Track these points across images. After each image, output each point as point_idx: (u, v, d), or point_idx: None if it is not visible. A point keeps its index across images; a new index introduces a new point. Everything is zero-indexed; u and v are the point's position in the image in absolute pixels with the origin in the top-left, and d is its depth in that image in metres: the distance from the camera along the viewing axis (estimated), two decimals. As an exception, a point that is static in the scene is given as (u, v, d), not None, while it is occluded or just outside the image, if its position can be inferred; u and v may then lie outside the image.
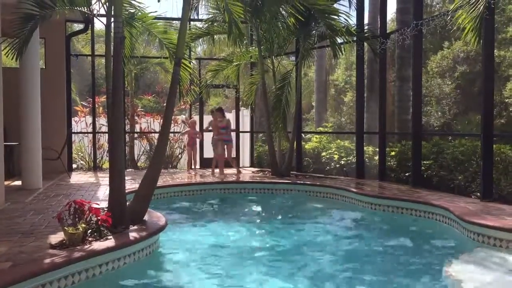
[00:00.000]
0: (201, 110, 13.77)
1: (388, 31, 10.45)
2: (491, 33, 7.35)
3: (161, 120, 9.15)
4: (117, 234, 4.96)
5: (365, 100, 12.71)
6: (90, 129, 12.80)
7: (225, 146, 11.26)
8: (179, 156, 13.87)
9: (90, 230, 4.81)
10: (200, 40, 11.96)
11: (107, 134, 8.45)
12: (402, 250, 5.82)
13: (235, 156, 11.94)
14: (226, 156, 11.41)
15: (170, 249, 5.68)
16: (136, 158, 13.84)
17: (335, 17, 10.01)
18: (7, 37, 6.85)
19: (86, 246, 4.45)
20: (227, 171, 11.54)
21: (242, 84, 13.68)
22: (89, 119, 13.16)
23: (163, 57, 9.64)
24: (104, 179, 9.84)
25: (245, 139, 14.30)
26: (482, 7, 6.76)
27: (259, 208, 8.33)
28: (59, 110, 11.69)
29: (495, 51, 8.95)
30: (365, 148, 10.84)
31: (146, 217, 5.75)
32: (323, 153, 11.57)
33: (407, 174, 9.27)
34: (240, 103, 14.13)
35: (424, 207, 7.13)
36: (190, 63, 8.92)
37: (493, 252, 5.29)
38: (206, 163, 12.86)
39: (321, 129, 14.56)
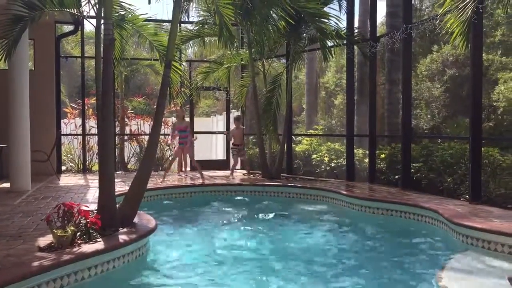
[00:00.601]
0: (191, 112, 13.74)
1: (378, 35, 10.52)
2: (480, 37, 7.43)
3: (151, 122, 9.11)
4: (107, 236, 4.94)
5: (355, 103, 12.77)
6: (79, 131, 12.73)
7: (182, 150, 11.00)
8: (170, 158, 13.82)
9: (79, 233, 4.78)
10: (190, 42, 11.95)
11: (96, 136, 8.43)
12: (392, 252, 5.85)
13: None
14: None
15: (159, 252, 5.66)
16: (126, 160, 13.78)
17: (326, 20, 10.06)
18: (-5, 38, 6.80)
19: (75, 249, 4.43)
20: (216, 173, 11.54)
21: (233, 87, 13.69)
22: (78, 121, 13.10)
23: (154, 59, 9.64)
24: (94, 181, 9.79)
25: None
26: (470, 11, 6.82)
27: (249, 211, 8.32)
28: (48, 112, 11.61)
29: (483, 54, 9.03)
30: (355, 150, 10.89)
31: (136, 220, 5.73)
32: (314, 156, 11.61)
33: (396, 176, 9.33)
34: (231, 105, 14.13)
35: (413, 210, 7.18)
36: (180, 65, 8.92)
37: (481, 254, 5.34)
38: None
39: (311, 131, 14.60)
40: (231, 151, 12.16)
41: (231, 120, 13.95)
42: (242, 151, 11.89)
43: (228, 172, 12.04)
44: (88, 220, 4.86)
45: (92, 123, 13.00)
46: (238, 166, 12.42)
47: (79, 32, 12.22)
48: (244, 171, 12.09)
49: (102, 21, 5.70)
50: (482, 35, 7.74)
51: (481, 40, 7.58)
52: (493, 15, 16.56)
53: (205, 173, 11.72)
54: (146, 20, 8.03)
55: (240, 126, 11.76)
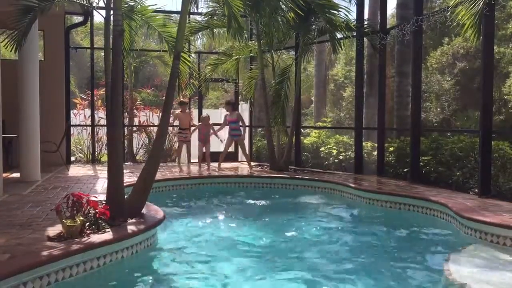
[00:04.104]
0: (200, 104, 13.76)
1: (388, 27, 10.44)
2: (491, 29, 7.33)
3: (160, 114, 9.13)
4: (115, 227, 4.97)
5: (364, 95, 12.70)
6: (88, 122, 12.78)
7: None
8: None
9: (88, 223, 4.81)
10: (199, 33, 11.93)
11: (105, 127, 8.45)
12: (400, 246, 5.84)
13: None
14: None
15: (167, 243, 5.69)
16: (134, 151, 13.83)
17: (335, 12, 9.98)
18: (6, 29, 6.83)
19: (84, 239, 4.46)
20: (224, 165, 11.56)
21: (242, 79, 13.67)
22: (88, 111, 13.16)
23: (163, 50, 9.63)
24: (103, 172, 9.84)
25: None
26: (482, 3, 6.75)
27: (256, 202, 8.33)
28: (58, 103, 11.68)
29: (494, 47, 8.93)
30: (363, 143, 10.85)
31: (144, 211, 5.76)
32: (322, 148, 11.58)
33: (405, 169, 9.28)
34: (239, 97, 14.12)
35: (422, 203, 7.15)
36: (189, 57, 8.90)
37: (490, 248, 5.31)
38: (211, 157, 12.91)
39: (320, 124, 14.56)
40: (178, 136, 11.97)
41: (240, 112, 13.93)
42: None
43: (235, 164, 12.06)
44: (97, 211, 4.89)
45: (101, 114, 13.04)
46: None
47: (88, 23, 12.24)
48: (252, 163, 12.04)
49: (112, 12, 5.69)
50: (494, 28, 7.64)
51: (493, 32, 7.47)
52: (505, 7, 16.34)
53: (213, 164, 11.76)
54: (155, 11, 8.01)
55: (186, 111, 11.71)
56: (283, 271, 4.83)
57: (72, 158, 12.61)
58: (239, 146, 11.70)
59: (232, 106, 11.51)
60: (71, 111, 12.75)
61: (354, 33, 10.47)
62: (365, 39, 10.64)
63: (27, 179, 8.45)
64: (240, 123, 11.22)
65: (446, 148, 8.56)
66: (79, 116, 13.39)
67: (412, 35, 8.98)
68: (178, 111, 11.99)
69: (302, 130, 12.72)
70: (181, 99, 12.00)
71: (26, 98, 8.40)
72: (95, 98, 12.78)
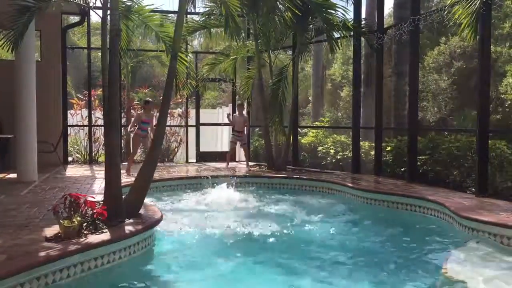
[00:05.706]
0: (197, 104, 13.75)
1: (385, 26, 10.44)
2: (488, 28, 7.33)
3: (157, 114, 9.02)
4: (113, 227, 4.96)
5: (362, 95, 12.71)
6: (86, 122, 12.77)
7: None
8: (175, 149, 13.85)
9: (85, 223, 4.80)
10: (196, 33, 11.94)
11: (103, 127, 8.43)
12: (397, 245, 5.84)
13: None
14: None
15: (165, 243, 5.68)
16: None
17: (332, 11, 10.00)
18: (2, 29, 6.80)
19: (81, 239, 4.45)
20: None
21: (239, 78, 13.66)
22: (85, 112, 13.13)
23: (160, 50, 9.62)
24: (100, 172, 9.82)
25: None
26: (478, 2, 6.77)
27: (254, 202, 8.32)
28: (55, 103, 11.65)
29: (491, 47, 8.94)
30: (361, 143, 10.85)
31: (142, 211, 5.76)
32: (319, 148, 11.59)
33: (402, 169, 9.29)
34: (237, 97, 14.11)
35: (419, 202, 7.16)
36: (186, 57, 8.90)
37: (487, 247, 5.32)
38: (204, 156, 12.90)
39: (317, 123, 14.56)
40: (230, 137, 12.03)
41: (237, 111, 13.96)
42: (244, 139, 11.78)
43: (232, 164, 12.05)
44: (94, 211, 4.88)
45: (98, 114, 13.02)
46: (243, 157, 12.41)
47: (85, 23, 12.21)
48: (249, 163, 12.05)
49: (109, 11, 5.69)
50: (491, 27, 7.65)
51: (490, 31, 7.48)
52: (502, 7, 16.39)
53: (211, 164, 11.77)
54: (152, 11, 8.02)
55: (242, 113, 11.73)
56: (281, 272, 4.82)
57: (70, 159, 12.58)
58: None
59: (150, 105, 10.22)
60: (68, 111, 12.72)
61: (351, 33, 10.48)
62: (362, 38, 10.65)
63: (24, 180, 8.42)
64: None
65: (443, 147, 8.57)
66: (76, 116, 13.36)
67: (409, 35, 8.99)
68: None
69: (300, 130, 12.72)
70: (239, 102, 11.91)
71: (23, 99, 8.37)
72: (92, 98, 12.76)
